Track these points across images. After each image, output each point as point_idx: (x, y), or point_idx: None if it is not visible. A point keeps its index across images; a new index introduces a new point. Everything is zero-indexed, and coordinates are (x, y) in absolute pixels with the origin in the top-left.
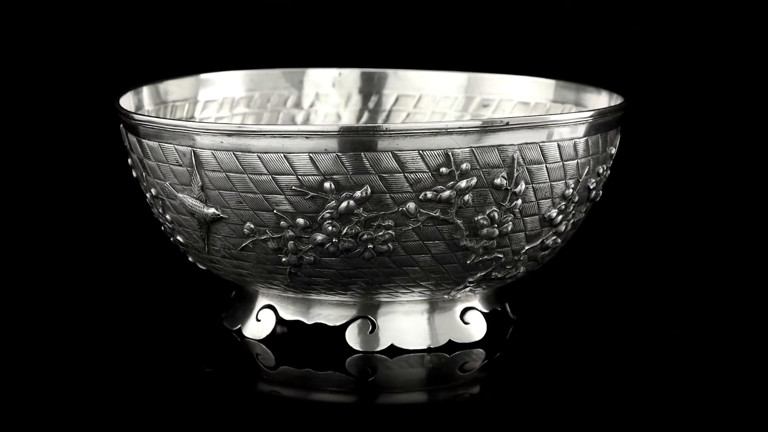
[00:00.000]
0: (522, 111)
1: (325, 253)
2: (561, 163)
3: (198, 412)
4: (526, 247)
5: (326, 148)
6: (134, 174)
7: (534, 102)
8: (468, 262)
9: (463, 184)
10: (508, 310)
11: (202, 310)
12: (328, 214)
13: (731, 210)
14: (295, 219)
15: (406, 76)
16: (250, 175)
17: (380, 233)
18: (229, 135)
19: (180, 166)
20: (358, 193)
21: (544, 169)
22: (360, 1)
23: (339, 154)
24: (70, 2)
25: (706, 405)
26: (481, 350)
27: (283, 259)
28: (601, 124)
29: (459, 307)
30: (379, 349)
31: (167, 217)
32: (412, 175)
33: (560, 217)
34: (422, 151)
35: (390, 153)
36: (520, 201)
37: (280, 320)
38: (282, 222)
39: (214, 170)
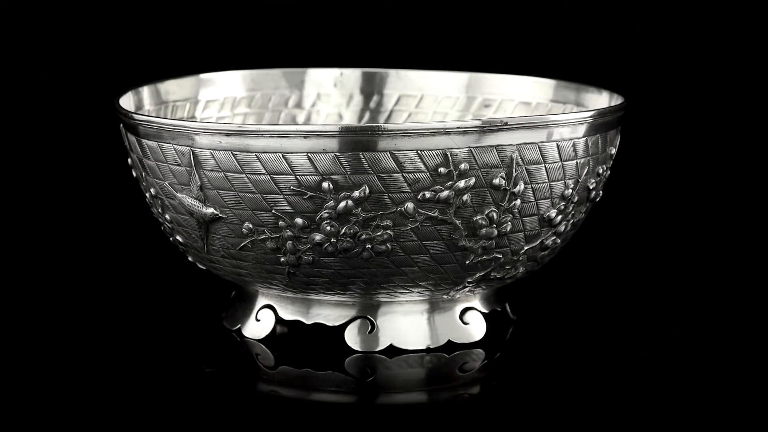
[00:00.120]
0: (523, 111)
1: (324, 253)
2: (560, 164)
3: (197, 412)
4: (526, 248)
5: (324, 148)
6: (134, 174)
7: (535, 102)
8: (467, 262)
9: (461, 184)
10: (508, 310)
11: (202, 310)
12: (326, 214)
13: (731, 210)
14: (294, 219)
15: (408, 76)
16: (248, 175)
17: (378, 233)
18: (227, 135)
19: (179, 165)
20: (356, 193)
21: (543, 169)
22: (360, 1)
23: (337, 154)
24: (70, 2)
25: (706, 405)
26: (480, 350)
27: (282, 259)
28: (600, 124)
29: (459, 308)
30: (378, 349)
31: (167, 216)
32: (410, 175)
33: (559, 217)
34: (420, 151)
35: (388, 153)
36: (518, 201)
37: (280, 320)
38: (280, 222)
39: (212, 170)
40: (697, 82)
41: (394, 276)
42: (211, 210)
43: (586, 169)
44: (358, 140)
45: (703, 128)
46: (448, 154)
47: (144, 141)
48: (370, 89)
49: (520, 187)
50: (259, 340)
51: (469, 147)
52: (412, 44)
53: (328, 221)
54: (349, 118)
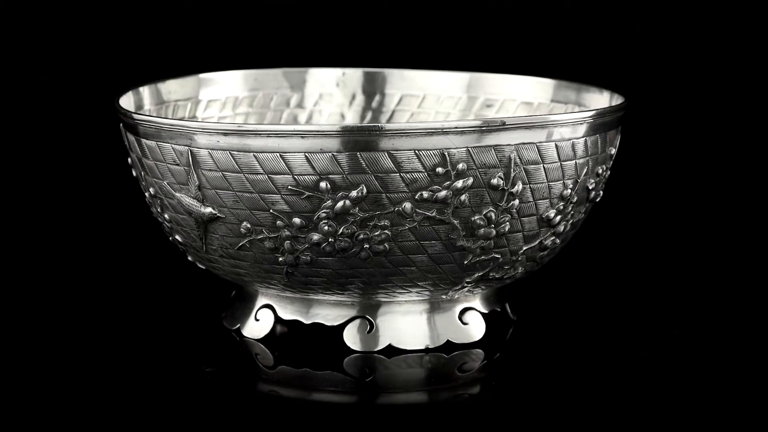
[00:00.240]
0: (525, 111)
1: (322, 253)
2: (559, 164)
3: (196, 412)
4: (524, 248)
5: (322, 148)
6: (134, 173)
7: (537, 102)
8: (465, 262)
9: (459, 184)
10: (508, 310)
11: (201, 310)
12: (324, 214)
13: (731, 210)
14: (292, 218)
15: (410, 76)
16: (246, 175)
17: (376, 233)
18: (225, 134)
19: (177, 165)
20: (354, 193)
21: (542, 169)
22: (361, 1)
23: (335, 153)
24: (70, 2)
25: (706, 405)
26: (480, 351)
27: (280, 259)
28: (600, 124)
29: (458, 308)
30: (377, 349)
31: (166, 216)
32: (408, 175)
33: (558, 217)
34: (418, 151)
35: (386, 153)
36: (517, 201)
37: (279, 320)
38: (278, 221)
39: (210, 169)
40: (697, 82)
41: (392, 276)
42: (209, 209)
43: (585, 170)
44: (355, 140)
45: (703, 128)
46: (446, 154)
47: (143, 140)
48: (372, 89)
49: (519, 187)
50: (258, 340)
51: (467, 147)
52: (413, 44)
53: (325, 221)
54: (351, 118)
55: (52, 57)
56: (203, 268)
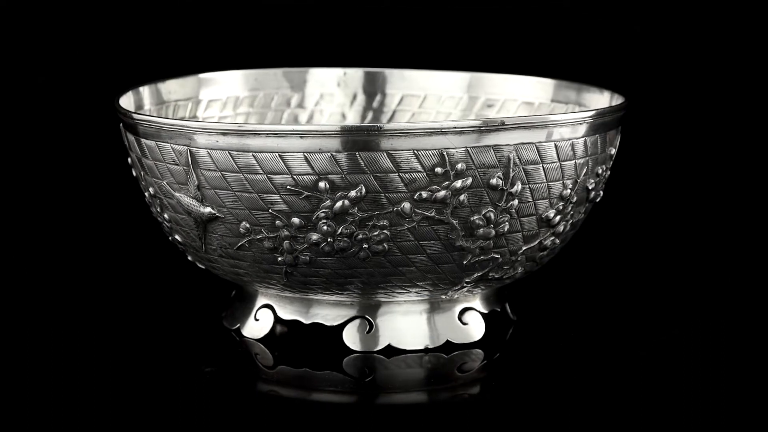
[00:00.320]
0: (526, 111)
1: (321, 253)
2: (558, 164)
3: (196, 411)
4: (524, 248)
5: (321, 148)
6: (134, 173)
7: (538, 102)
8: (464, 262)
9: (458, 184)
10: (509, 310)
11: (201, 310)
12: (323, 214)
13: (731, 210)
14: (290, 218)
15: (411, 76)
16: (245, 175)
17: (375, 233)
18: (224, 134)
19: (177, 165)
20: (352, 193)
21: (541, 169)
22: (361, 2)
23: (334, 153)
24: (70, 2)
25: (706, 405)
26: (479, 351)
27: (279, 259)
28: (599, 124)
29: (458, 308)
30: (376, 349)
31: (165, 216)
32: (407, 174)
33: (558, 217)
34: (417, 150)
35: (385, 153)
36: (516, 201)
37: (279, 320)
38: (277, 221)
39: (209, 169)
40: (697, 82)
41: (391, 276)
42: (208, 209)
43: (584, 170)
44: (354, 140)
45: (703, 128)
46: (445, 154)
47: (143, 140)
48: (374, 89)
49: (518, 187)
50: (258, 340)
51: (466, 147)
52: (414, 44)
53: (324, 221)
54: (353, 118)
55: (52, 57)
56: (203, 267)
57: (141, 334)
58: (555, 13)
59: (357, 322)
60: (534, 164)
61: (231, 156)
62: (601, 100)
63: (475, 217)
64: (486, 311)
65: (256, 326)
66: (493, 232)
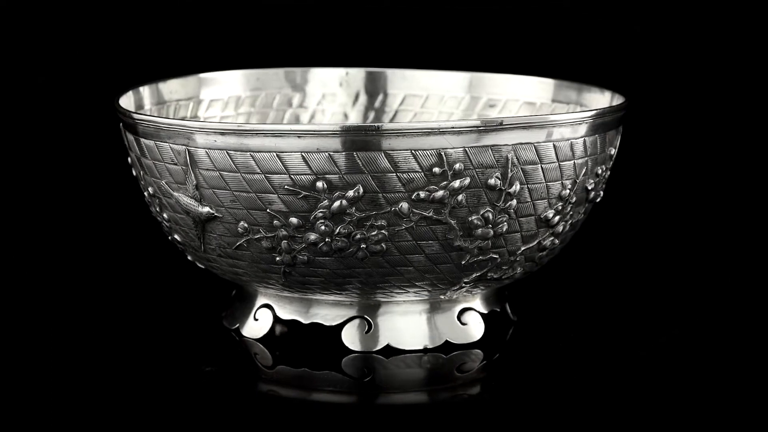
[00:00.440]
0: (528, 111)
1: (319, 253)
2: (557, 164)
3: (195, 411)
4: (523, 248)
5: (318, 148)
6: (134, 173)
7: (540, 102)
8: (463, 262)
9: (456, 184)
10: (509, 311)
11: (201, 309)
12: (320, 214)
13: (731, 210)
14: (288, 218)
15: (413, 76)
16: (243, 174)
17: (373, 233)
18: (222, 134)
19: (175, 164)
20: (350, 193)
21: (540, 169)
22: (362, 1)
23: (331, 153)
24: (70, 2)
25: (706, 405)
26: (479, 351)
27: (277, 259)
28: (599, 124)
29: (457, 308)
30: (375, 349)
31: (164, 215)
32: (404, 174)
33: (557, 218)
34: (415, 150)
35: (383, 153)
36: (514, 201)
37: (280, 320)
38: (275, 221)
39: (208, 169)
40: (697, 82)
41: (389, 276)
42: (206, 209)
43: (584, 170)
44: (352, 140)
45: (703, 128)
46: (443, 154)
47: (142, 140)
48: (376, 89)
49: (516, 187)
50: (257, 340)
51: (464, 147)
52: (414, 44)
53: (322, 221)
54: (355, 118)
55: (52, 57)
56: (203, 267)
57: (141, 333)
58: (555, 13)
59: (356, 322)
60: (532, 164)
61: (229, 156)
62: (602, 100)
63: (474, 218)
64: (486, 311)
65: (256, 326)
66: (492, 232)
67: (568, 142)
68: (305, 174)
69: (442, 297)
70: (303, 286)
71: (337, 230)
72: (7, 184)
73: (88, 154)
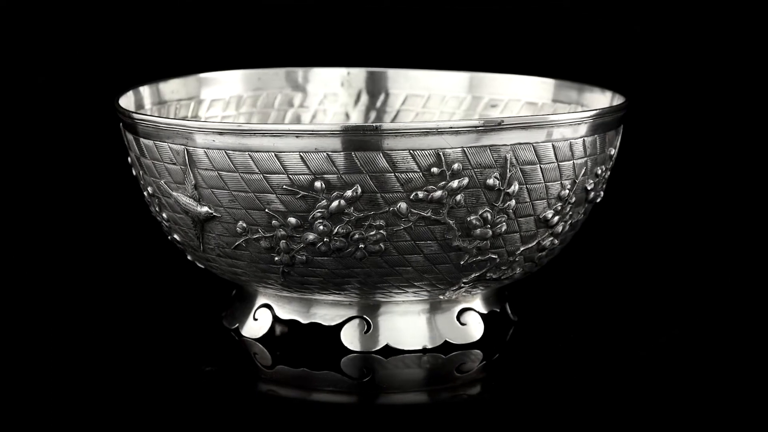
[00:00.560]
0: (529, 111)
1: (317, 253)
2: (556, 164)
3: (194, 411)
4: (522, 248)
5: (316, 147)
6: (134, 172)
7: (541, 102)
8: (461, 262)
9: (454, 184)
10: (509, 311)
11: (201, 309)
12: (319, 214)
13: (731, 210)
14: (287, 218)
15: (415, 76)
16: (241, 174)
17: (372, 233)
18: (220, 134)
19: (174, 164)
20: (348, 193)
21: (539, 169)
22: (363, 1)
23: (330, 153)
24: (70, 2)
25: (706, 405)
26: (478, 351)
27: (276, 258)
28: (599, 125)
29: (456, 308)
30: (375, 349)
31: (164, 215)
32: (403, 174)
33: (557, 218)
34: (413, 150)
35: (381, 152)
36: (513, 202)
37: (279, 320)
38: (274, 221)
39: (206, 169)
40: (697, 82)
41: (388, 276)
42: (205, 209)
43: (583, 170)
44: (350, 140)
45: (703, 128)
46: (441, 154)
47: (141, 139)
48: (378, 89)
49: (515, 187)
50: (256, 340)
51: (462, 147)
52: (414, 44)
53: (320, 221)
54: (356, 118)
55: (52, 57)
56: (202, 267)
57: (141, 333)
58: (555, 13)
59: (355, 322)
60: (531, 164)
61: (228, 155)
62: (603, 100)
63: (472, 218)
64: (485, 312)
65: (255, 326)
66: (490, 232)
67: (567, 142)
68: (303, 174)
69: (442, 297)
70: (302, 286)
71: (336, 230)
72: (8, 183)
73: (88, 154)
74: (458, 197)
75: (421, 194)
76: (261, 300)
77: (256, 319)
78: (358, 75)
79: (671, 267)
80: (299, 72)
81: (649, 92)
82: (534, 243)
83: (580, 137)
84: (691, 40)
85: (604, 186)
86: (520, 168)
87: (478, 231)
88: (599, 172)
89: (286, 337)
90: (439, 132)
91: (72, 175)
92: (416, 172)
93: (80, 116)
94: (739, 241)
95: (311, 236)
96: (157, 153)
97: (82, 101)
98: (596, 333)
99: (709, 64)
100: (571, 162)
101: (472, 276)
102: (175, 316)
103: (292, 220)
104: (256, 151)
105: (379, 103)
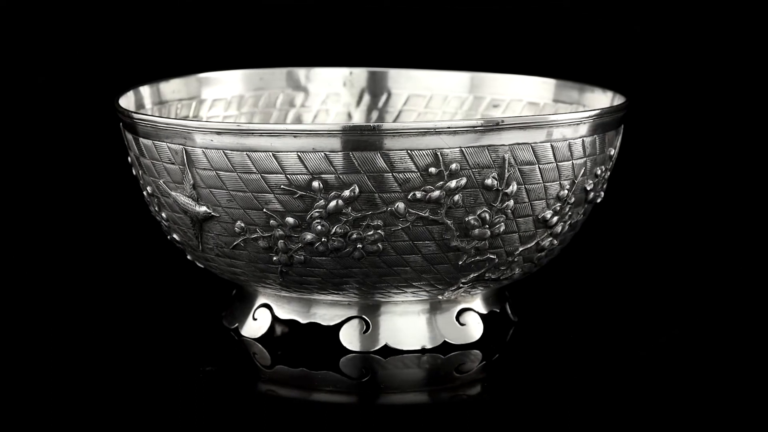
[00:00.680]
0: (531, 111)
1: (315, 253)
2: (555, 164)
3: (193, 411)
4: (521, 249)
5: (314, 147)
6: (133, 172)
7: (543, 102)
8: (460, 263)
9: (452, 184)
10: (509, 311)
11: (200, 309)
12: (317, 213)
13: (731, 210)
14: (285, 218)
15: (417, 76)
16: (240, 174)
17: (369, 233)
18: (218, 133)
19: (173, 164)
20: (346, 193)
21: (537, 169)
22: (364, 1)
23: (327, 153)
24: (70, 2)
25: (706, 405)
26: (477, 351)
27: (274, 258)
28: (598, 125)
29: (456, 308)
30: (373, 349)
31: (163, 215)
32: (400, 174)
33: (555, 218)
34: (411, 150)
35: (379, 152)
36: (511, 202)
37: (279, 320)
38: (272, 221)
39: (205, 168)
40: (697, 82)
41: (387, 276)
42: (204, 208)
43: (582, 170)
44: (347, 140)
45: (703, 128)
46: (439, 154)
47: (141, 139)
48: (380, 89)
49: (513, 187)
50: (256, 340)
51: (460, 147)
52: (415, 44)
53: (318, 220)
54: (359, 118)
55: (52, 57)
56: (202, 267)
57: (141, 333)
58: (555, 13)
59: (354, 322)
60: (530, 165)
61: (226, 155)
62: (604, 100)
63: (470, 218)
64: (485, 312)
65: (254, 326)
66: (489, 232)
67: (566, 142)
68: (301, 174)
69: (441, 297)
70: (300, 285)
71: (334, 230)
72: (8, 183)
73: (88, 154)
74: (456, 197)
75: (419, 194)
76: (260, 300)
77: (255, 319)
78: (360, 75)
79: (671, 267)
80: (301, 72)
81: (649, 92)
82: (533, 243)
83: (580, 137)
84: (691, 40)
85: (605, 186)
86: (518, 168)
87: (476, 231)
88: (599, 172)
89: (285, 336)
90: (436, 132)
91: (72, 175)
92: (414, 172)
93: (80, 116)
94: (739, 241)
95: (309, 236)
96: (156, 153)
97: (82, 101)
98: (596, 333)
99: (709, 64)
100: (570, 162)
101: (471, 276)
102: (174, 316)
103: (290, 219)
104: (254, 151)
105: (381, 103)
